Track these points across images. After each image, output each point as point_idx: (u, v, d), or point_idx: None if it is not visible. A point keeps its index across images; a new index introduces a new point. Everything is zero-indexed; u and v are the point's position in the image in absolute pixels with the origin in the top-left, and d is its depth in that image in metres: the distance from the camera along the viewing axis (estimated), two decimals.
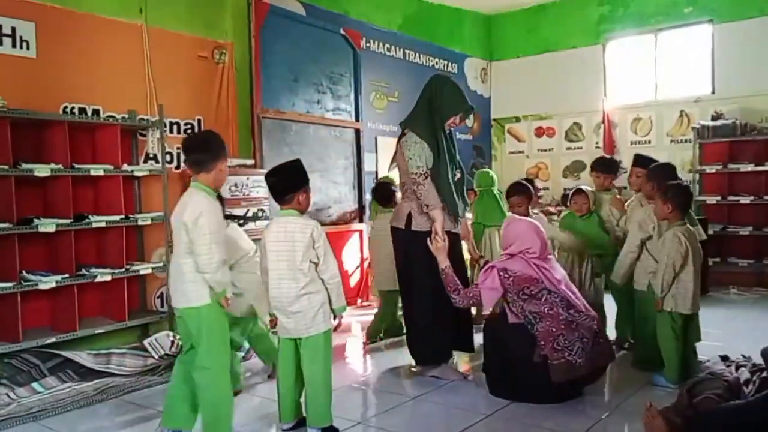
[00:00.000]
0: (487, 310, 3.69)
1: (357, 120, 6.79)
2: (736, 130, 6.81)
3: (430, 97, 3.87)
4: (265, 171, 5.25)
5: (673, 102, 7.68)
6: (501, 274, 3.40)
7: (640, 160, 4.47)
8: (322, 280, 3.03)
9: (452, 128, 3.95)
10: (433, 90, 3.88)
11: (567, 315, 3.31)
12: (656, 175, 4.05)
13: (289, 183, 3.05)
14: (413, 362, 4.05)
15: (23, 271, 3.85)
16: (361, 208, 6.79)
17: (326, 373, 3.04)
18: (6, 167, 3.70)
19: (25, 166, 3.80)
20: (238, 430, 3.18)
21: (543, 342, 3.29)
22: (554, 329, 3.29)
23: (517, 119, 8.90)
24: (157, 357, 4.07)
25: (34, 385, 3.64)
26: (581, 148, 8.35)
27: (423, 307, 3.83)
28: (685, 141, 7.50)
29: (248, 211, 5.04)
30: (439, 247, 3.65)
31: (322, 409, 3.03)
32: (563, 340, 3.27)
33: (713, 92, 7.41)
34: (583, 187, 4.56)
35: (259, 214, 5.13)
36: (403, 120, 3.97)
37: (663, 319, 3.67)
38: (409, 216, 3.80)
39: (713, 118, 7.05)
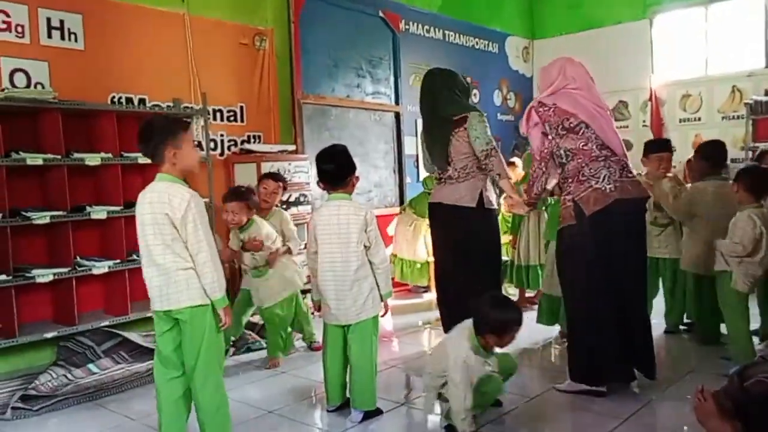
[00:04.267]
0: (538, 156, 3.44)
1: (397, 103, 6.77)
2: None
3: (449, 86, 3.89)
4: (306, 156, 5.38)
5: (724, 77, 7.40)
6: (539, 110, 3.33)
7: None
8: (372, 265, 3.06)
9: None
10: (445, 82, 3.91)
11: (599, 153, 3.20)
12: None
13: (346, 167, 3.10)
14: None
15: (77, 257, 4.00)
16: (401, 192, 6.79)
17: (373, 359, 3.08)
18: (59, 157, 3.84)
19: (76, 155, 3.93)
20: (281, 409, 3.26)
21: (570, 179, 3.23)
22: (582, 163, 3.20)
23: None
24: None
25: (90, 366, 3.78)
26: (627, 126, 8.12)
27: (483, 283, 3.71)
28: (738, 117, 7.22)
29: (291, 196, 5.10)
30: (516, 203, 3.80)
31: (368, 394, 3.07)
32: (588, 170, 3.18)
33: (767, 66, 7.11)
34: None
35: (302, 199, 5.19)
36: (444, 112, 3.86)
37: (728, 298, 3.58)
38: (481, 194, 3.77)
39: (767, 93, 6.78)
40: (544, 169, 3.38)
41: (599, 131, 3.21)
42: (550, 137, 3.29)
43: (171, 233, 2.44)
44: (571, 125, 3.21)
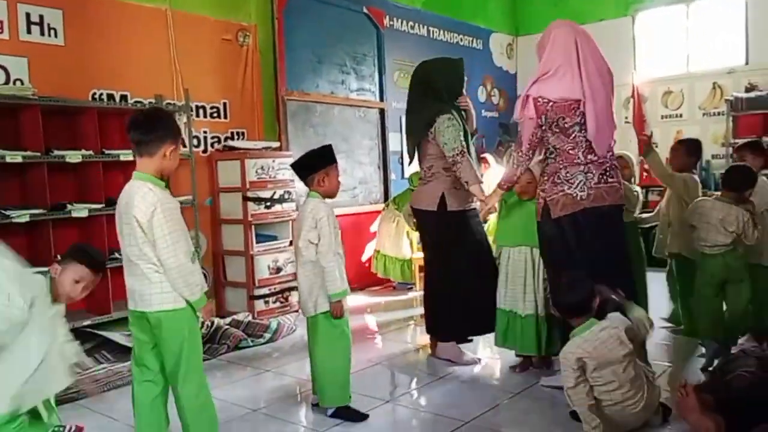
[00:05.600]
0: (527, 143, 3.31)
1: (381, 100, 6.75)
2: None
3: (428, 81, 3.86)
4: (290, 153, 5.36)
5: (705, 74, 7.47)
6: (538, 101, 3.17)
7: None
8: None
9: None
10: (428, 76, 3.88)
11: (582, 159, 3.15)
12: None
13: (304, 167, 3.18)
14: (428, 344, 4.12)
15: (57, 256, 3.93)
16: (386, 189, 6.79)
17: (325, 355, 3.08)
18: (38, 154, 3.78)
19: (56, 152, 3.88)
20: (266, 407, 3.25)
21: (547, 177, 3.22)
22: (560, 166, 3.18)
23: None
24: None
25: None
26: None
27: (459, 285, 3.79)
28: (718, 114, 7.30)
29: (274, 193, 5.08)
30: (489, 210, 3.72)
31: (328, 391, 3.09)
32: (564, 174, 3.16)
33: (747, 63, 7.19)
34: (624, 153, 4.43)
35: (286, 196, 5.16)
36: (418, 115, 3.89)
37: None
38: (443, 197, 3.79)
39: (747, 90, 6.86)
40: (530, 155, 3.35)
41: (594, 118, 3.11)
42: (543, 127, 3.23)
43: (141, 236, 2.40)
44: (566, 125, 3.15)
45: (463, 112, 3.92)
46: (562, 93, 3.14)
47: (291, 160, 5.25)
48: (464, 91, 3.98)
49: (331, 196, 3.16)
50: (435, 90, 3.83)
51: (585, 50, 3.16)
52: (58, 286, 2.46)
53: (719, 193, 3.74)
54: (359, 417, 3.07)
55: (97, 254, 2.68)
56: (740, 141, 6.74)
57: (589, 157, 3.16)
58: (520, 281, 3.57)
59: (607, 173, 3.18)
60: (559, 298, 2.91)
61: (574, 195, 3.13)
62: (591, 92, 3.12)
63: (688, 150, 4.26)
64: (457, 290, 3.79)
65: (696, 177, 4.17)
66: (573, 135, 3.16)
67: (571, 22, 3.32)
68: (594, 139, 3.13)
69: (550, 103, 3.15)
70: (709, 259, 3.60)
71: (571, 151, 3.16)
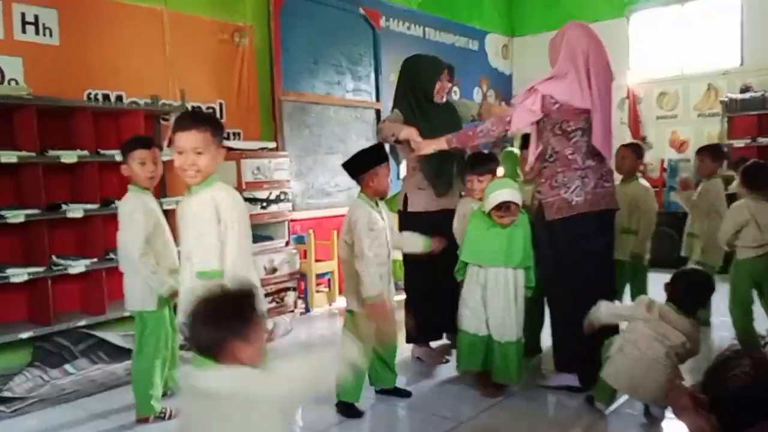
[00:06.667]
0: (512, 128, 3.29)
1: (377, 100, 6.75)
2: (766, 103, 6.62)
3: (406, 77, 3.90)
4: (286, 153, 5.36)
5: (700, 75, 7.50)
6: (546, 100, 3.17)
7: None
8: None
9: (448, 95, 3.92)
10: (407, 71, 3.92)
11: (580, 165, 3.15)
12: None
13: (352, 168, 3.23)
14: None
15: (53, 256, 3.93)
16: None
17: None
18: (33, 154, 3.77)
19: (51, 152, 3.86)
20: None
21: (544, 180, 3.22)
22: (558, 170, 3.18)
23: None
24: (182, 338, 4.14)
25: (66, 366, 3.73)
26: None
27: (418, 285, 3.81)
28: (713, 115, 7.33)
29: (270, 193, 5.07)
30: (419, 151, 3.57)
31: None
32: (562, 178, 3.16)
33: (742, 64, 7.22)
34: None
35: (281, 196, 5.16)
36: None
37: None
38: (405, 198, 3.81)
39: (742, 91, 6.88)
40: (498, 134, 3.34)
41: (601, 129, 3.12)
42: (540, 126, 3.24)
43: None
44: (568, 129, 3.16)
45: (451, 105, 3.93)
46: (570, 99, 3.12)
47: (287, 161, 5.28)
48: (442, 84, 3.86)
49: (382, 195, 3.15)
50: (397, 89, 3.93)
51: (595, 59, 3.16)
52: (135, 178, 3.05)
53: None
54: (355, 413, 3.09)
55: (139, 137, 3.30)
56: (735, 142, 6.83)
57: (587, 162, 3.16)
58: (499, 304, 3.21)
59: (603, 177, 3.20)
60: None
61: (570, 200, 3.13)
62: (599, 102, 3.13)
63: (713, 155, 4.38)
64: (412, 295, 3.84)
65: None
66: (575, 140, 3.16)
67: (586, 26, 3.30)
68: (601, 147, 3.14)
69: (557, 105, 3.14)
70: (753, 261, 3.60)
71: (570, 156, 3.16)
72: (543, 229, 3.23)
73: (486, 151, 4.21)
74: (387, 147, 3.47)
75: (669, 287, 2.88)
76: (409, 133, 3.57)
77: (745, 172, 3.78)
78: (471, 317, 3.27)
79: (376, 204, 3.13)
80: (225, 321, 1.59)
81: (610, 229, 3.32)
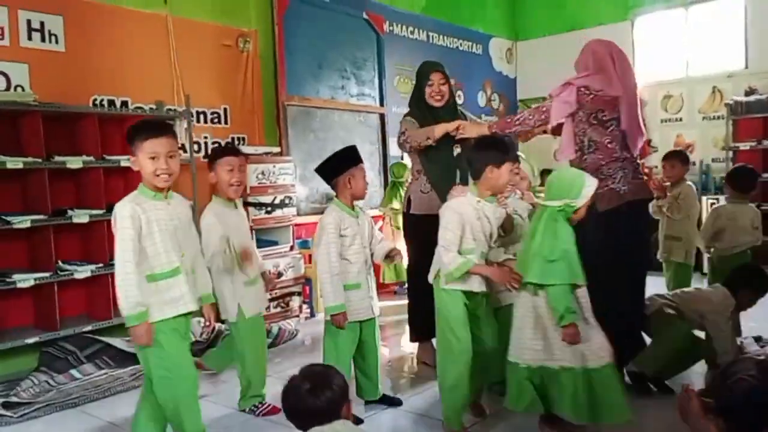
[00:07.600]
0: (552, 121, 3.32)
1: (381, 105, 6.77)
2: None
3: (414, 85, 3.99)
4: (290, 158, 5.37)
5: (704, 78, 7.49)
6: (581, 91, 3.29)
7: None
8: None
9: (449, 101, 3.86)
10: (415, 78, 3.99)
11: (620, 154, 3.29)
12: None
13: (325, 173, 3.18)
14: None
15: (59, 261, 3.95)
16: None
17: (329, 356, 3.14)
18: (39, 160, 3.78)
19: (57, 158, 3.88)
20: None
21: (589, 173, 3.13)
22: (602, 161, 3.28)
23: (544, 100, 8.75)
24: None
25: (73, 371, 3.74)
26: None
27: (421, 284, 3.79)
28: (718, 118, 7.31)
29: (275, 198, 5.08)
30: (465, 130, 3.62)
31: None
32: (607, 169, 3.27)
33: (746, 67, 7.21)
34: None
35: (287, 201, 5.17)
36: None
37: None
38: (409, 200, 3.87)
39: (747, 94, 6.87)
40: (535, 125, 3.49)
41: (627, 119, 3.28)
42: (576, 119, 3.34)
43: None
44: (604, 118, 3.28)
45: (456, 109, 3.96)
46: (606, 87, 3.28)
47: (291, 165, 5.29)
48: (434, 87, 3.81)
49: (359, 198, 3.13)
50: (410, 96, 4.02)
51: (620, 61, 3.38)
52: (220, 185, 3.12)
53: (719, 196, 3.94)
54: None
55: (230, 145, 3.47)
56: (740, 145, 6.81)
57: (623, 153, 3.31)
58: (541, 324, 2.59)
59: (636, 170, 3.37)
60: None
61: (618, 189, 3.26)
62: (625, 90, 3.30)
63: (682, 160, 4.53)
64: (416, 293, 3.84)
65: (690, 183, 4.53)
66: (611, 129, 3.29)
67: (608, 41, 3.49)
68: (628, 131, 3.29)
69: (591, 95, 3.27)
70: (735, 259, 3.94)
71: (609, 145, 3.29)
72: (595, 221, 3.20)
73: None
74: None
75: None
76: (446, 126, 3.65)
77: (733, 175, 4.17)
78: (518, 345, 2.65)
79: (353, 209, 3.10)
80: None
81: (649, 218, 3.74)
